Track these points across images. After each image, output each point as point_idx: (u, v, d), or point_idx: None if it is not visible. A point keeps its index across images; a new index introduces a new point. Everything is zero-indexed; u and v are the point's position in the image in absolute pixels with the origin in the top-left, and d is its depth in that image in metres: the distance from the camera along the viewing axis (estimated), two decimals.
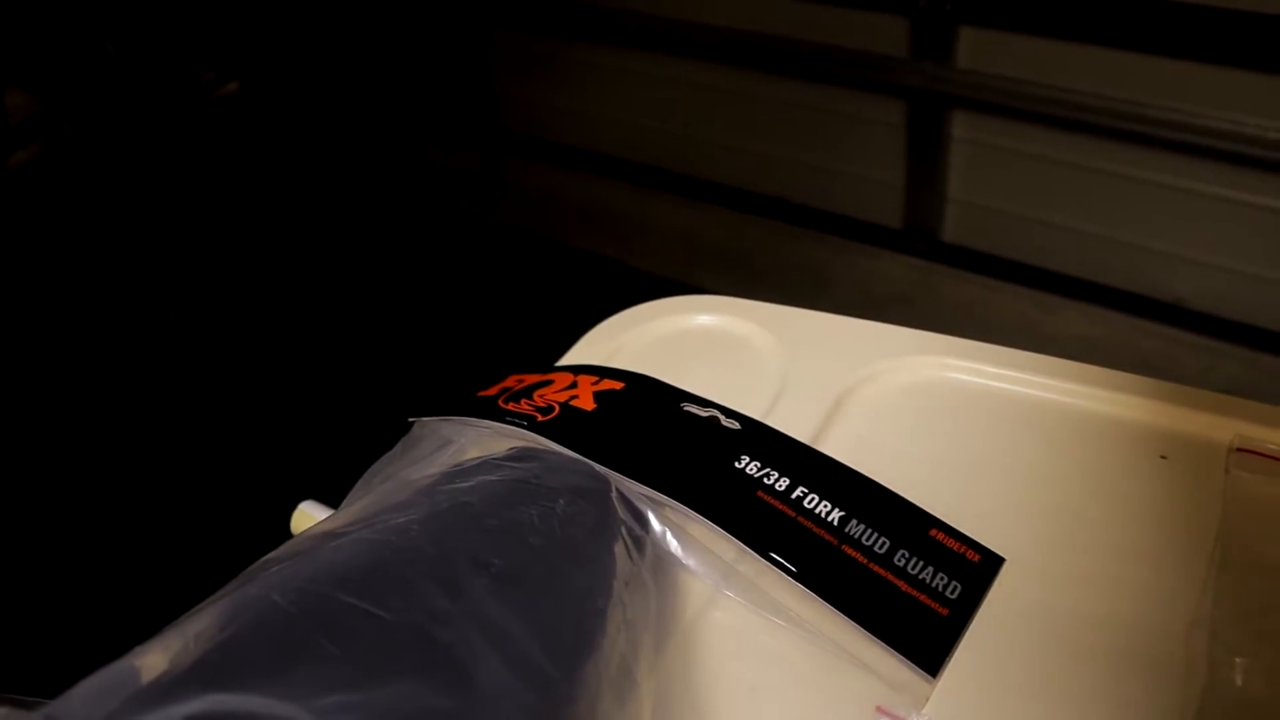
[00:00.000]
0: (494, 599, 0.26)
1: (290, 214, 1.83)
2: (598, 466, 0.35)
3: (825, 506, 0.37)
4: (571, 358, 0.48)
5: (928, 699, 0.33)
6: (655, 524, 0.34)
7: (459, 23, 1.95)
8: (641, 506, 0.34)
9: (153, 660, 0.22)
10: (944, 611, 0.35)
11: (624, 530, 0.32)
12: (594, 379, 0.44)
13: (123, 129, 1.83)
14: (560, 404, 0.41)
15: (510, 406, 0.42)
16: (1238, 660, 0.33)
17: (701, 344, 0.48)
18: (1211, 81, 1.32)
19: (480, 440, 0.40)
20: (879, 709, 0.33)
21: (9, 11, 1.63)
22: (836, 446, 0.41)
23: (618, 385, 0.43)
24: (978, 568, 0.36)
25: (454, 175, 2.00)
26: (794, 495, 0.38)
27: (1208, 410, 0.41)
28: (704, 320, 0.49)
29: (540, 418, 0.40)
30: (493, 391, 0.44)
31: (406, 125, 1.97)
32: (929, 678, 0.33)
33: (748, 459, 0.39)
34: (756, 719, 0.33)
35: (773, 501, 0.37)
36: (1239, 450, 0.40)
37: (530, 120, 1.98)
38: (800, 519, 0.37)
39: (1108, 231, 1.52)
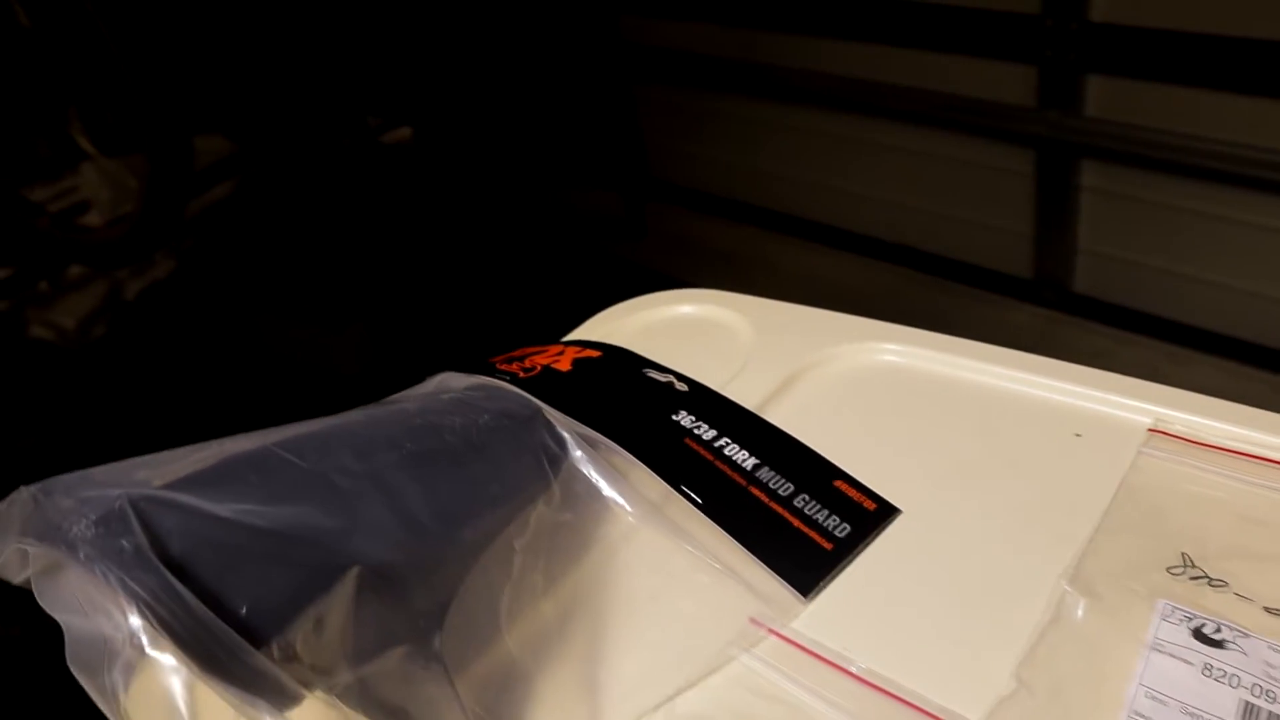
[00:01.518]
0: (395, 468, 0.33)
1: (441, 250, 2.00)
2: (532, 398, 0.42)
3: (743, 455, 0.43)
4: (574, 337, 0.55)
5: (798, 616, 0.38)
6: (574, 450, 0.40)
7: (609, 77, 2.08)
8: (563, 433, 0.41)
9: (145, 472, 0.31)
10: (828, 546, 0.39)
11: (542, 449, 0.39)
12: (579, 349, 0.51)
13: (302, 170, 2.06)
14: (543, 366, 0.49)
15: (502, 366, 0.49)
16: (1084, 600, 0.36)
17: (686, 328, 0.54)
18: None
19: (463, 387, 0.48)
20: (751, 619, 0.38)
21: (212, 69, 1.88)
22: (780, 412, 0.47)
23: (595, 354, 0.50)
24: (871, 515, 0.41)
25: (595, 218, 2.13)
26: (717, 444, 0.43)
27: (1128, 395, 0.44)
28: (691, 309, 0.55)
29: (522, 375, 0.48)
30: (500, 357, 0.52)
31: (555, 170, 2.12)
32: (802, 598, 0.38)
33: (685, 414, 0.45)
34: (653, 620, 0.38)
35: (696, 448, 0.43)
36: (1152, 431, 0.43)
37: (669, 167, 2.09)
38: (717, 463, 0.42)
39: (1243, 283, 1.46)
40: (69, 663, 0.26)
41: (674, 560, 0.39)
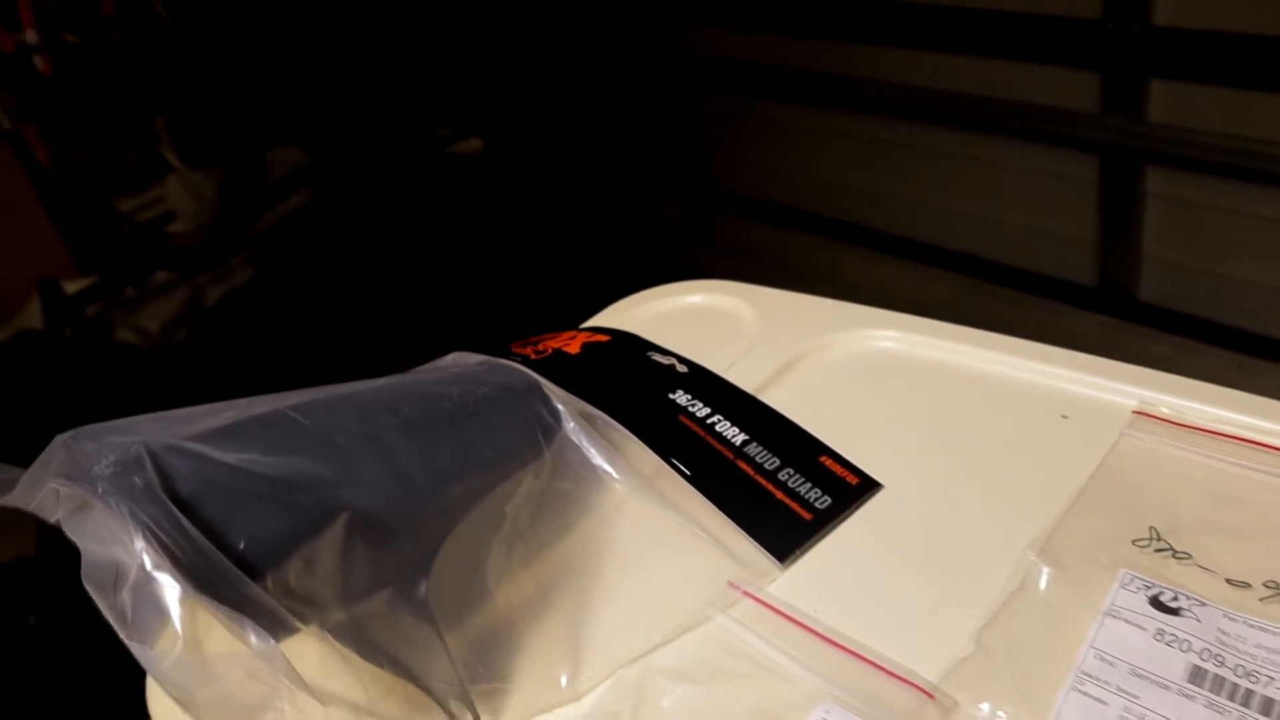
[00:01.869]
0: (392, 429, 0.36)
1: (507, 258, 2.05)
2: (530, 373, 0.44)
3: (733, 431, 0.45)
4: (591, 324, 0.58)
5: (774, 580, 0.40)
6: (568, 422, 0.43)
7: (675, 88, 2.11)
8: (559, 406, 0.43)
9: (166, 424, 0.34)
10: (808, 517, 0.41)
11: (537, 420, 0.42)
12: (590, 334, 0.53)
13: (374, 180, 2.14)
14: (554, 349, 0.51)
15: (517, 349, 0.52)
16: (1049, 570, 0.37)
17: (695, 316, 0.57)
18: None
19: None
20: (729, 583, 0.40)
21: (289, 85, 1.97)
22: (777, 394, 0.49)
23: (605, 339, 0.53)
24: (853, 489, 0.43)
25: (660, 227, 2.16)
26: (709, 421, 0.45)
27: (1116, 378, 0.45)
28: (701, 299, 0.58)
29: (534, 356, 0.51)
30: (518, 342, 0.55)
31: (621, 180, 2.16)
32: (779, 564, 0.40)
33: (682, 393, 0.47)
34: (636, 581, 0.41)
35: (689, 424, 0.45)
36: (1137, 413, 0.44)
37: (732, 175, 2.11)
38: (707, 438, 0.45)
39: None
40: (84, 580, 0.29)
41: (660, 527, 0.42)
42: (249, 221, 1.71)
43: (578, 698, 0.37)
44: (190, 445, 0.32)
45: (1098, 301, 1.64)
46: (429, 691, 0.36)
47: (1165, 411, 0.43)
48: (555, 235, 2.12)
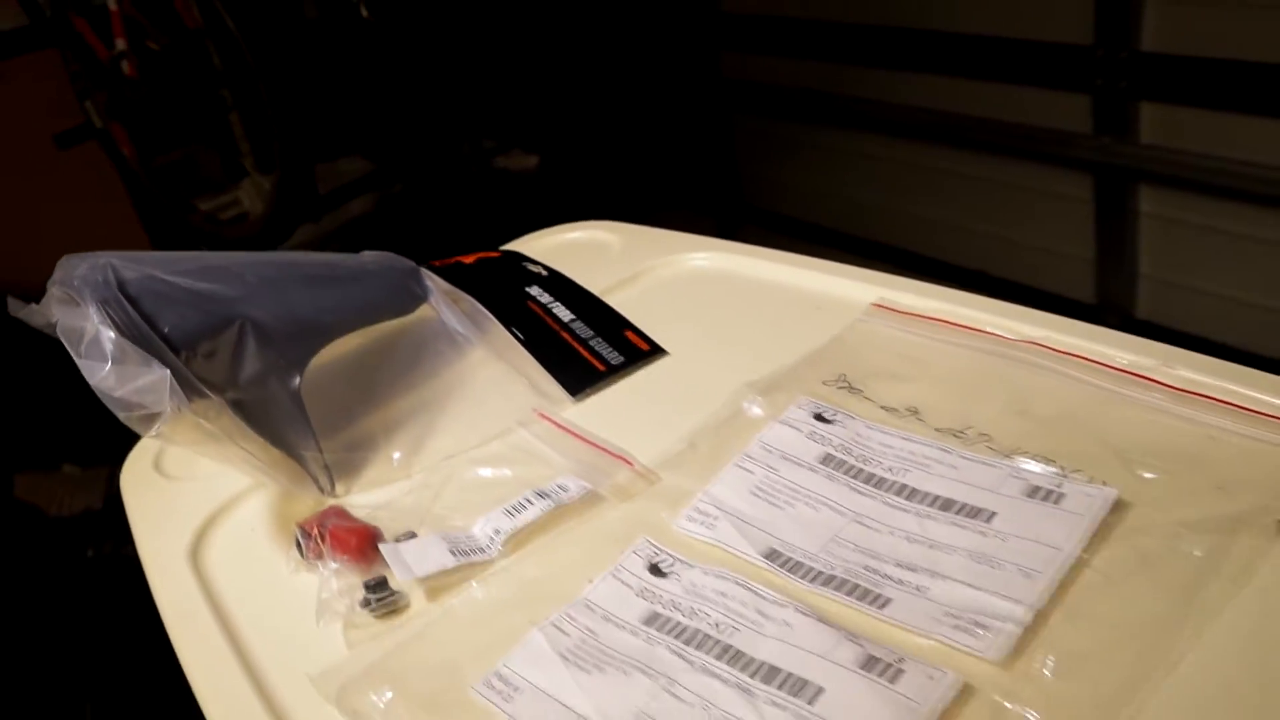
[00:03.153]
0: (292, 277, 0.52)
1: None
2: (412, 262, 0.60)
3: (565, 313, 0.60)
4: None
5: (566, 409, 0.54)
6: (434, 293, 0.58)
7: (711, 110, 2.28)
8: (428, 283, 0.59)
9: (139, 258, 0.51)
10: (602, 368, 0.56)
11: (406, 289, 0.57)
12: (487, 253, 0.69)
13: (433, 189, 2.35)
14: (456, 261, 0.67)
15: (433, 263, 0.68)
16: (759, 398, 0.51)
17: (578, 246, 0.72)
18: None
19: None
20: (535, 409, 0.54)
21: (355, 102, 2.19)
22: (617, 296, 0.64)
23: (496, 255, 0.68)
24: (644, 353, 0.57)
25: None
26: (549, 305, 0.61)
27: (864, 281, 0.59)
28: (583, 234, 0.73)
29: (438, 264, 0.66)
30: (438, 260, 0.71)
31: (655, 196, 2.32)
32: (571, 398, 0.55)
33: (537, 288, 0.63)
34: (466, 402, 0.56)
35: (533, 307, 0.61)
36: (874, 305, 0.57)
37: (759, 193, 2.25)
38: (544, 316, 0.60)
39: None
40: (60, 337, 0.46)
41: (490, 368, 0.57)
42: (299, 218, 1.92)
43: (408, 475, 0.52)
44: (141, 266, 0.49)
45: (1096, 319, 1.72)
46: (299, 461, 0.52)
47: (897, 304, 0.56)
48: None
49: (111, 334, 0.45)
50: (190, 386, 0.48)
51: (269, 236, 1.97)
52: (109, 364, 0.44)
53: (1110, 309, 1.72)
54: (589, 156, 2.45)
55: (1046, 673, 0.35)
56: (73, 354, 0.46)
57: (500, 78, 2.20)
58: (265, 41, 1.72)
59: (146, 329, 0.47)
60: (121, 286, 0.48)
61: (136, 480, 0.57)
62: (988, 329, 0.53)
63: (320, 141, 1.97)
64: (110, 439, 0.56)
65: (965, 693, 0.35)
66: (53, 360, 0.52)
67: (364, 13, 1.85)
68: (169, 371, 0.45)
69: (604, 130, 2.38)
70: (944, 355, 0.52)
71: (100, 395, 0.45)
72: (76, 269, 0.48)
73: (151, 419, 0.45)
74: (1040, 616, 0.37)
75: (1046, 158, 1.71)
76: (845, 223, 2.10)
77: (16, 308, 0.49)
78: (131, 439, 0.53)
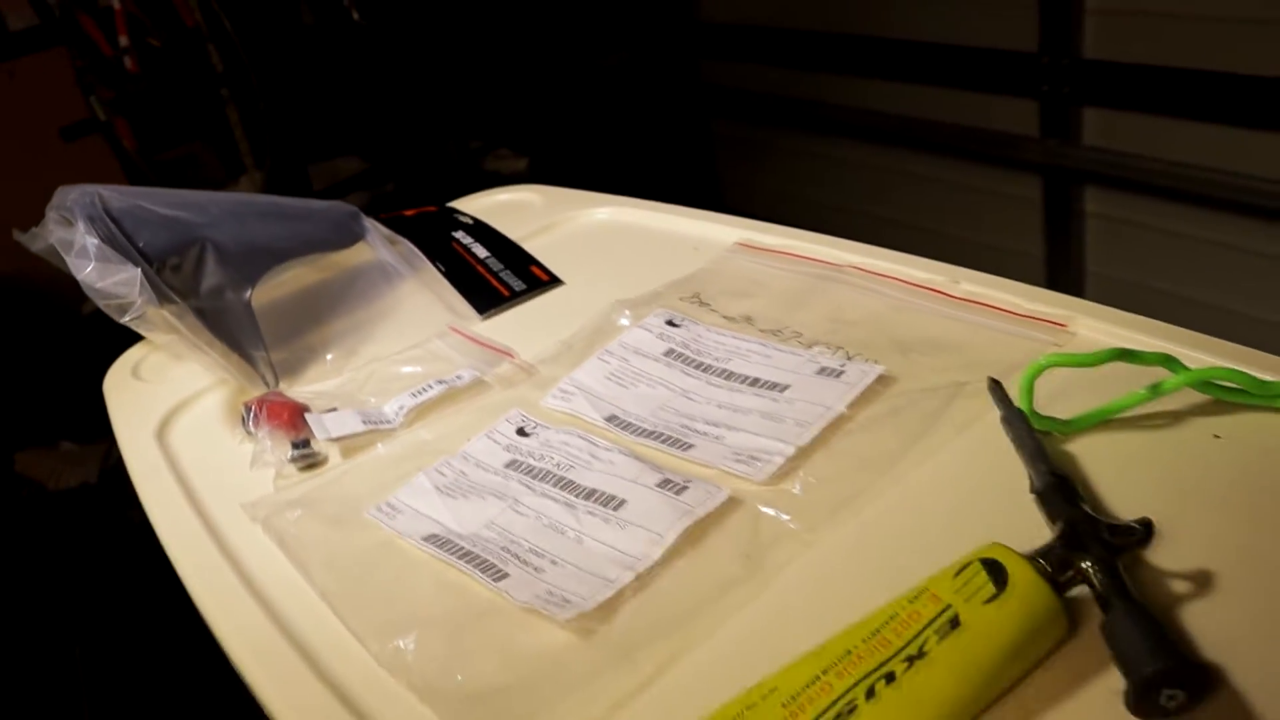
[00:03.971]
0: (250, 212, 0.64)
1: None
2: (355, 207, 0.72)
3: (482, 250, 0.72)
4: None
5: (476, 324, 0.66)
6: (371, 233, 0.70)
7: (691, 116, 2.41)
8: (366, 224, 0.70)
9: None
10: (506, 293, 0.68)
11: (346, 228, 0.69)
12: (426, 208, 0.81)
13: (423, 189, 2.47)
14: (399, 214, 0.79)
15: (381, 216, 0.80)
16: (627, 310, 0.62)
17: (504, 205, 0.84)
18: None
19: None
20: (449, 325, 0.66)
21: (350, 104, 2.33)
22: (533, 242, 0.75)
23: (433, 209, 0.80)
24: (543, 282, 0.69)
25: None
26: (469, 245, 0.73)
27: (737, 226, 0.70)
28: (510, 196, 0.85)
29: (383, 216, 0.78)
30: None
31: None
32: (480, 316, 0.67)
33: (463, 233, 0.75)
34: (393, 318, 0.67)
35: (456, 247, 0.73)
36: (738, 244, 0.69)
37: (737, 196, 2.38)
38: (464, 253, 0.72)
39: (1237, 306, 1.60)
40: (57, 247, 0.58)
41: (416, 296, 0.69)
42: None
43: (339, 373, 0.64)
44: (126, 197, 0.61)
45: None
46: (249, 360, 0.63)
47: (752, 241, 0.68)
48: None
49: (95, 240, 0.57)
50: (160, 292, 0.59)
51: None
52: (92, 263, 0.56)
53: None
54: (577, 159, 2.57)
55: (797, 489, 0.46)
56: (66, 261, 0.58)
57: (489, 81, 2.33)
58: (261, 41, 1.86)
59: (125, 242, 0.59)
60: (106, 208, 0.60)
61: (117, 384, 0.69)
62: (822, 258, 0.64)
63: (316, 141, 2.10)
64: (106, 417, 0.67)
65: (732, 503, 0.46)
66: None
67: (355, 16, 1.99)
68: (140, 270, 0.56)
69: (591, 134, 2.51)
70: (782, 279, 0.64)
71: (85, 289, 0.57)
72: (69, 195, 0.61)
73: (125, 308, 0.57)
74: (803, 453, 0.48)
75: (998, 160, 1.82)
76: (811, 223, 2.22)
77: (19, 235, 0.61)
78: None
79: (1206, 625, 0.34)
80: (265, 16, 1.91)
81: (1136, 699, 0.31)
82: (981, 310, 0.57)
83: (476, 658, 0.40)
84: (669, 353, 0.58)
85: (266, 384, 0.64)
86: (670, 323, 0.61)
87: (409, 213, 0.79)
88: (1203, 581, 0.36)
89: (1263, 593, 0.36)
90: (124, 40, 1.97)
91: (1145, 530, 0.37)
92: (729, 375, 0.55)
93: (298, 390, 0.62)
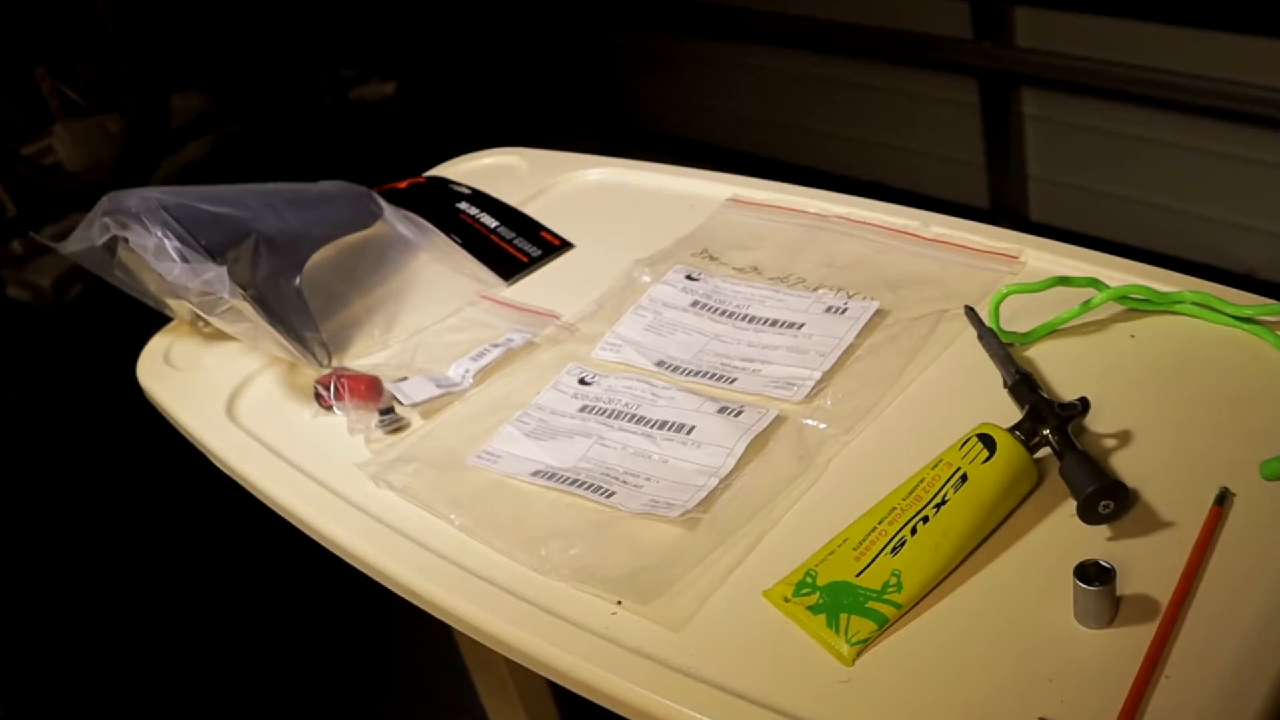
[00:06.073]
0: (282, 202, 0.87)
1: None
2: (361, 186, 0.95)
3: (492, 221, 0.96)
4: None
5: (502, 291, 0.90)
6: (388, 212, 0.93)
7: (588, 23, 2.63)
8: (382, 204, 0.94)
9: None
10: (524, 259, 0.93)
11: (366, 209, 0.92)
12: (417, 179, 1.04)
13: (279, 127, 2.64)
14: (392, 187, 1.02)
15: (375, 189, 1.03)
16: (646, 269, 0.88)
17: (491, 169, 1.08)
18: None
19: None
20: (478, 293, 0.90)
21: (195, 27, 2.48)
22: (531, 205, 1.00)
23: (423, 180, 1.04)
24: (556, 247, 0.94)
25: None
26: (477, 216, 0.97)
27: (726, 182, 0.96)
28: (494, 160, 1.09)
29: (378, 189, 1.01)
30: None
31: (535, 119, 2.66)
32: (505, 282, 0.91)
33: (465, 203, 0.98)
34: (426, 290, 0.91)
35: (464, 218, 0.97)
36: (730, 200, 0.94)
37: (645, 113, 2.63)
38: (474, 224, 0.96)
39: (1181, 204, 1.94)
40: (134, 248, 0.79)
41: (439, 266, 0.93)
42: (153, 160, 2.22)
43: (385, 346, 0.87)
44: (171, 196, 0.83)
45: (991, 223, 2.15)
46: (303, 341, 0.86)
47: (748, 197, 0.94)
48: None
49: (176, 244, 0.79)
50: (223, 282, 0.82)
51: (122, 180, 2.25)
52: (178, 264, 0.79)
53: (1004, 212, 2.15)
54: (451, 81, 2.77)
55: (829, 404, 0.73)
56: (149, 261, 0.80)
57: None
58: None
59: (193, 241, 0.81)
60: (168, 211, 0.82)
61: (155, 374, 0.91)
62: (810, 210, 0.91)
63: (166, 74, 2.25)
64: None
65: (780, 419, 0.72)
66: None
67: None
68: (225, 268, 0.79)
69: (467, 51, 2.71)
70: (777, 231, 0.90)
71: (176, 289, 0.79)
72: (127, 201, 0.82)
73: (218, 303, 0.79)
74: (826, 377, 0.75)
75: (930, 63, 2.12)
76: (736, 140, 2.49)
77: (63, 246, 0.83)
78: None
79: (1127, 462, 0.63)
80: None
81: (1082, 510, 0.58)
82: (949, 249, 0.84)
83: (611, 551, 0.66)
84: (695, 304, 0.84)
85: (320, 363, 0.87)
86: (690, 277, 0.86)
87: (400, 184, 1.02)
88: (1123, 437, 0.64)
89: (1167, 441, 0.64)
90: None
91: (1084, 406, 0.65)
92: (751, 319, 0.81)
93: (356, 364, 0.86)
